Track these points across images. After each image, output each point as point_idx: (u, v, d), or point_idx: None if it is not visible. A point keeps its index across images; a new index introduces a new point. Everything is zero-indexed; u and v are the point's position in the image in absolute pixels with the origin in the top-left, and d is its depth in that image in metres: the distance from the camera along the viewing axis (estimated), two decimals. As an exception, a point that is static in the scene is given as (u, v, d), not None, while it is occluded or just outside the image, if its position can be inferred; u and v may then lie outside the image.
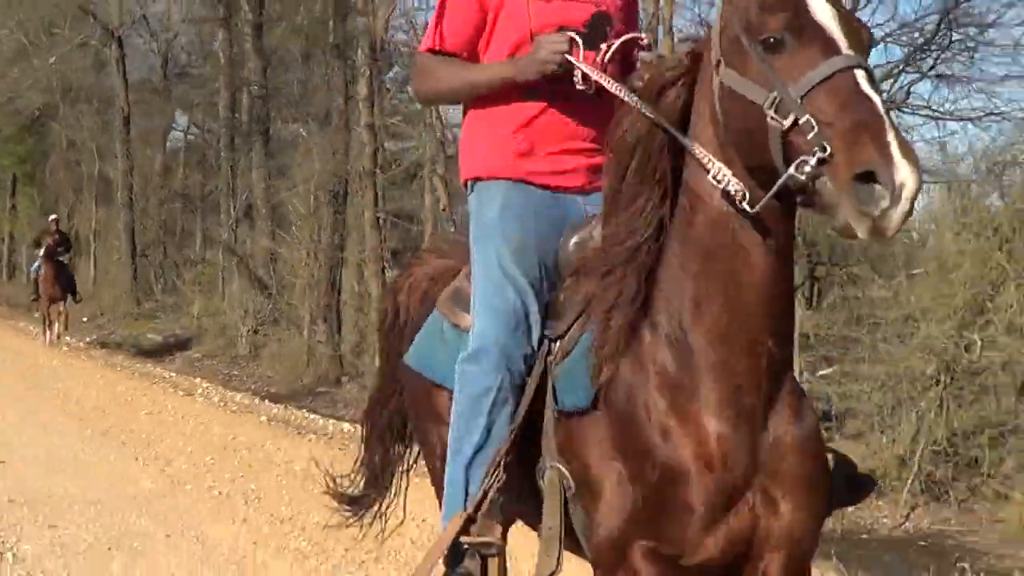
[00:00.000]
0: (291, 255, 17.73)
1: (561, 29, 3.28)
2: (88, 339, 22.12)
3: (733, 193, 2.67)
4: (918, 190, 2.34)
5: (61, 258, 22.16)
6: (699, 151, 2.76)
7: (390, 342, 4.29)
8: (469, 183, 3.59)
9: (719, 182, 2.69)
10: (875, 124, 2.38)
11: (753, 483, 2.86)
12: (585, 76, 3.18)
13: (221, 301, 21.06)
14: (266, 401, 14.35)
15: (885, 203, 2.33)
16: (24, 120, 33.78)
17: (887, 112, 2.43)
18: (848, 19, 2.64)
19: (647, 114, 2.90)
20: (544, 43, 3.24)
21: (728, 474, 2.83)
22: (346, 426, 12.08)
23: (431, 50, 3.58)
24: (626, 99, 3.00)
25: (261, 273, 19.18)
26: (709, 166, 2.71)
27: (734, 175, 2.68)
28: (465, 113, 3.67)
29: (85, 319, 24.63)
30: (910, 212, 2.35)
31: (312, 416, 13.11)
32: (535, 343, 3.30)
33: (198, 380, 15.84)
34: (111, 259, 28.75)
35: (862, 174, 2.33)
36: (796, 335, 3.32)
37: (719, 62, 2.71)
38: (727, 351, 2.85)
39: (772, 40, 2.58)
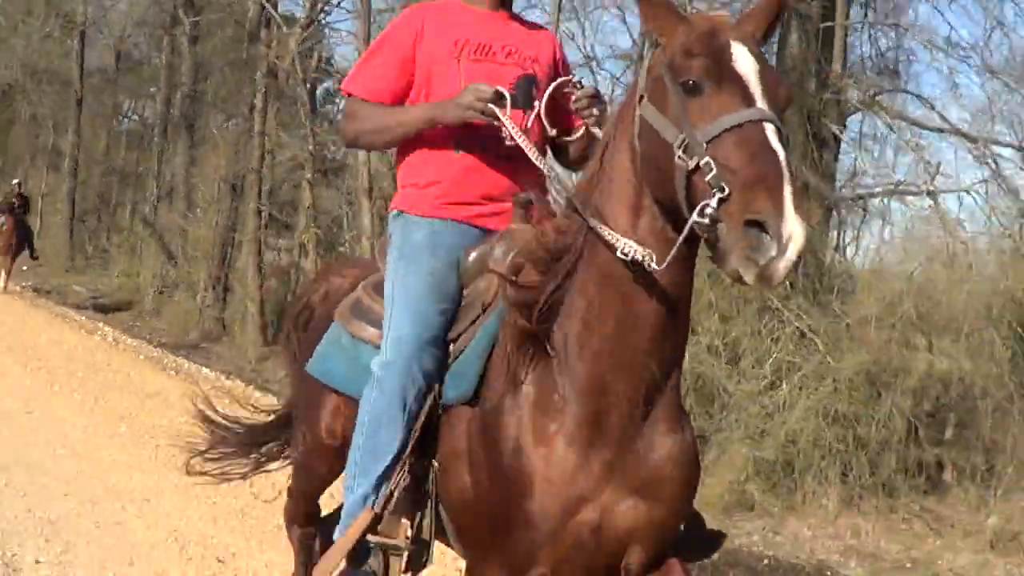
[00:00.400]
0: (195, 232, 20.90)
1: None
2: (23, 284, 24.21)
3: (640, 260, 2.70)
4: (805, 244, 2.33)
5: (22, 215, 23.88)
6: (606, 232, 2.78)
7: (301, 343, 4.28)
8: (395, 212, 3.67)
9: (626, 255, 2.71)
10: (774, 177, 2.37)
11: (604, 496, 2.88)
12: (508, 134, 3.25)
13: (138, 264, 24.10)
14: (151, 346, 16.78)
15: (772, 253, 2.33)
16: None
17: (789, 168, 2.42)
18: (768, 74, 2.61)
19: (559, 181, 3.18)
20: (471, 89, 3.28)
21: (570, 489, 2.87)
22: (212, 375, 14.16)
23: (351, 94, 3.65)
24: (537, 163, 3.23)
25: (171, 244, 22.39)
26: (616, 243, 2.73)
27: (636, 213, 2.76)
28: (399, 161, 3.72)
29: (25, 268, 26.34)
30: (796, 264, 2.37)
31: (185, 363, 15.26)
32: (437, 358, 3.33)
33: (101, 324, 18.45)
34: (53, 220, 31.48)
35: (753, 222, 2.34)
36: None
37: (642, 96, 2.72)
38: (608, 372, 2.86)
39: (691, 83, 2.56)
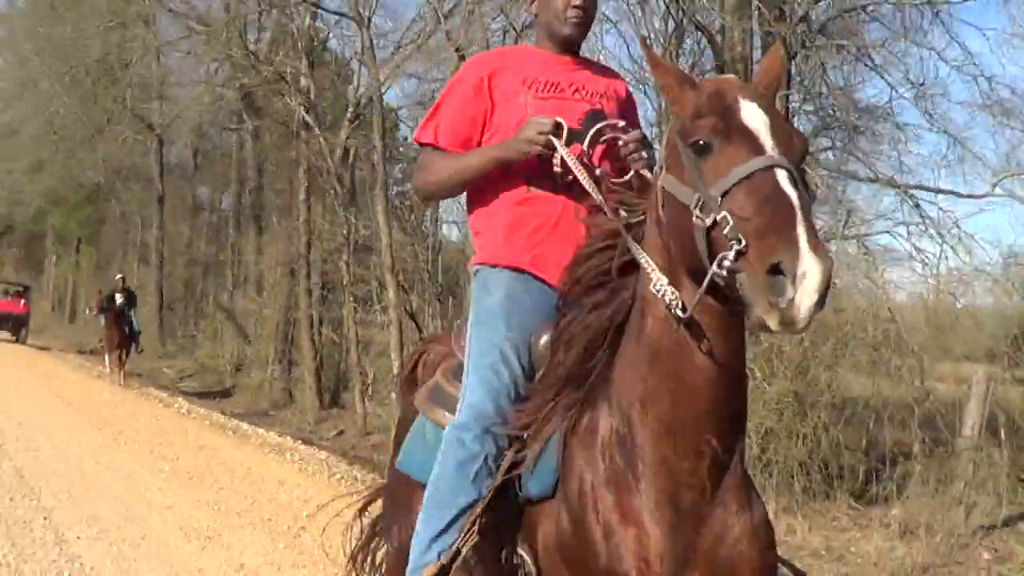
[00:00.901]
0: (263, 313, 23.19)
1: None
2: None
3: (668, 302, 2.73)
4: (824, 281, 2.29)
5: (128, 311, 23.90)
6: (645, 260, 2.84)
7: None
8: (474, 269, 3.60)
9: (658, 291, 2.76)
10: (785, 218, 2.35)
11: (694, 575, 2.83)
12: (563, 163, 3.25)
13: (219, 346, 26.51)
14: (226, 416, 18.38)
15: (790, 294, 2.30)
16: (86, 192, 39.34)
17: (803, 208, 2.38)
18: (778, 124, 2.61)
19: (607, 212, 3.10)
20: (532, 123, 3.30)
21: (666, 570, 2.81)
22: (278, 439, 15.41)
23: (425, 144, 3.62)
24: (590, 191, 3.20)
25: (245, 326, 24.74)
26: (652, 275, 2.80)
27: (675, 280, 2.75)
28: (470, 210, 3.67)
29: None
30: (819, 303, 2.31)
31: (254, 428, 16.48)
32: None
33: (182, 400, 20.33)
34: (143, 310, 33.97)
35: (773, 267, 2.31)
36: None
37: (662, 167, 2.79)
38: (670, 450, 2.83)
39: (701, 144, 2.59)
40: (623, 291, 3.01)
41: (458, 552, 3.23)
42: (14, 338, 35.25)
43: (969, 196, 13.21)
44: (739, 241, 2.38)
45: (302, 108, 18.68)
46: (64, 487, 10.06)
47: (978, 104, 13.19)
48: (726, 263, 2.40)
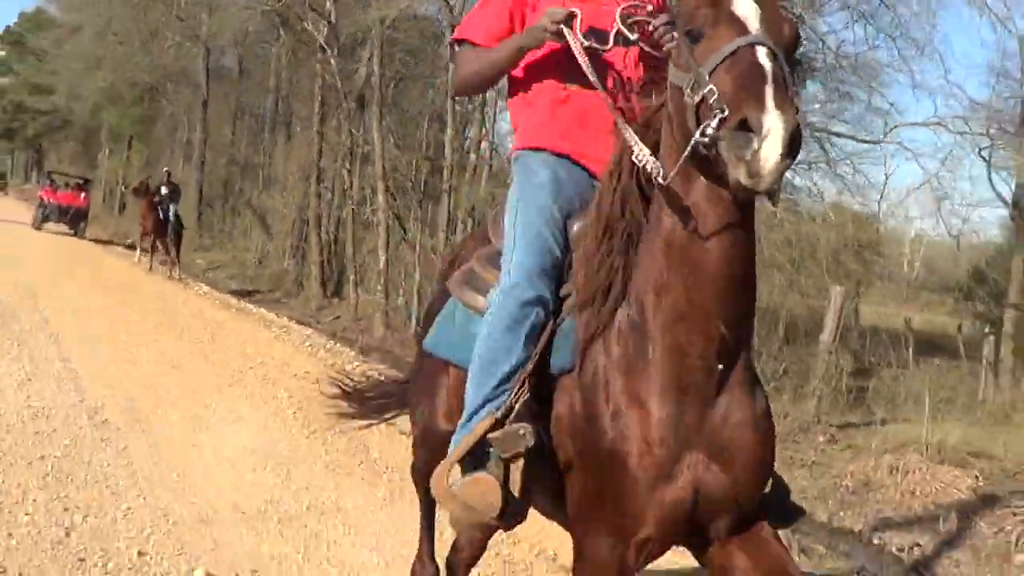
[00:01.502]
0: (282, 212, 26.06)
1: (591, 30, 3.41)
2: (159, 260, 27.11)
3: (650, 170, 2.89)
4: (789, 136, 2.42)
5: (171, 204, 24.96)
6: (628, 133, 3.03)
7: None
8: (515, 155, 3.79)
9: (639, 161, 2.92)
10: (757, 81, 2.50)
11: (694, 456, 2.97)
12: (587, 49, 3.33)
13: (247, 241, 29.43)
14: (242, 300, 21.40)
15: (755, 146, 2.42)
16: (139, 92, 41.74)
17: (776, 75, 2.52)
18: (770, 10, 2.72)
19: (607, 101, 3.23)
20: (548, 12, 3.43)
21: (667, 451, 2.95)
22: (285, 320, 18.38)
23: (460, 40, 3.81)
24: (596, 86, 3.30)
25: (271, 224, 27.59)
26: (634, 147, 2.96)
27: (685, 169, 2.77)
28: (511, 104, 3.91)
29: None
30: (784, 157, 2.43)
31: (260, 309, 19.64)
32: (556, 296, 3.38)
33: (205, 287, 22.99)
34: (184, 206, 37.08)
35: (741, 123, 2.46)
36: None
37: (669, 64, 2.92)
38: (682, 335, 2.94)
39: (695, 31, 2.74)
40: (633, 191, 3.13)
41: (511, 408, 3.30)
42: (72, 231, 33.99)
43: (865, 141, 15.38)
44: (722, 110, 2.52)
45: (325, 28, 21.17)
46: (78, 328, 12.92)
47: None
48: (709, 130, 2.54)
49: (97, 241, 33.29)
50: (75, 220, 34.37)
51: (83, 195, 35.80)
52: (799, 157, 2.64)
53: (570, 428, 3.23)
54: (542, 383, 3.32)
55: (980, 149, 17.34)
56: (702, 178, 2.79)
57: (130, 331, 13.47)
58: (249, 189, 33.53)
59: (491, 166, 21.39)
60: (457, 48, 3.86)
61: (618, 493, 3.06)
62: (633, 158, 2.97)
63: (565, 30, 3.35)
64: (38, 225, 33.77)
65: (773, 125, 2.42)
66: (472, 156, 21.75)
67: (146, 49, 35.58)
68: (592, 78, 3.30)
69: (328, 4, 21.06)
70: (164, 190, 25.29)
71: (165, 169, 28.19)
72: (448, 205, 17.87)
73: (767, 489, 3.29)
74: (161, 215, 24.60)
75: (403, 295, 18.81)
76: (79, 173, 43.72)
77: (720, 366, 2.96)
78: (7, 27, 74.85)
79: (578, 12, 3.38)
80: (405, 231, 18.81)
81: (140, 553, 5.50)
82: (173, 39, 33.97)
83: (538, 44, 3.51)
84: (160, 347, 12.57)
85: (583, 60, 3.33)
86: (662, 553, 3.27)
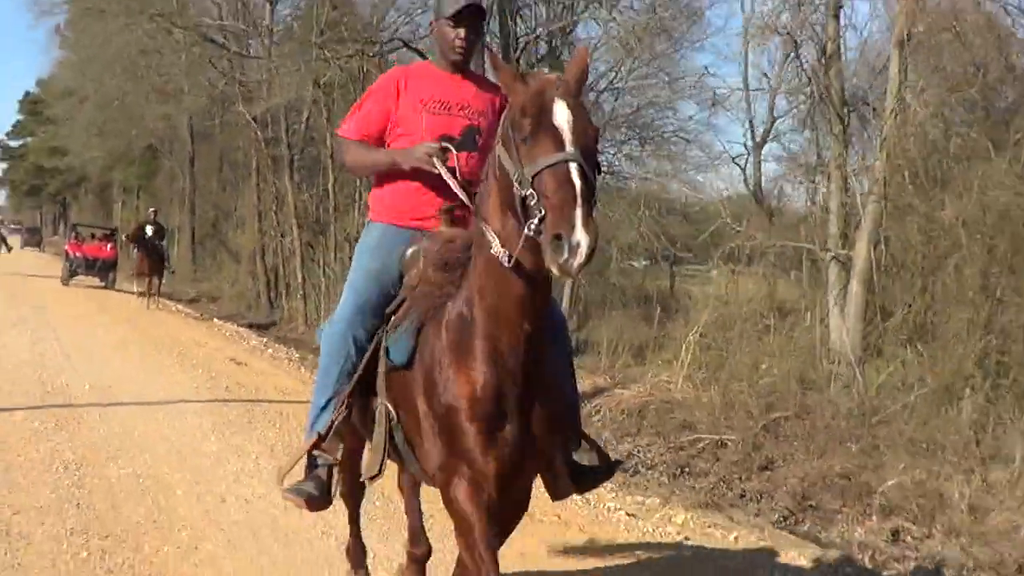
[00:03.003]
0: (245, 244, 33.90)
1: (442, 137, 4.68)
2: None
3: (500, 257, 3.83)
4: (589, 248, 3.40)
5: (157, 242, 28.03)
6: (489, 233, 3.91)
7: None
8: (366, 224, 5.15)
9: (494, 252, 3.86)
10: (569, 202, 3.43)
11: (511, 415, 4.11)
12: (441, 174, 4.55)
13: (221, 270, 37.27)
14: (214, 319, 26.96)
15: (566, 255, 3.40)
16: (140, 151, 49.00)
17: (583, 193, 3.46)
18: (579, 122, 3.66)
19: (462, 196, 4.50)
20: (421, 147, 4.67)
21: (489, 407, 4.09)
22: (234, 326, 24.82)
23: (344, 136, 5.03)
24: (457, 192, 4.56)
25: (239, 256, 35.36)
26: (492, 242, 3.88)
27: (503, 222, 3.83)
28: (372, 187, 5.19)
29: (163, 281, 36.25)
30: (586, 262, 3.43)
31: (222, 321, 26.27)
32: (373, 324, 4.71)
33: (188, 309, 30.14)
34: (182, 245, 45.12)
35: (556, 236, 3.41)
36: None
37: (499, 140, 3.87)
38: (494, 327, 4.05)
39: (523, 136, 3.66)
40: (468, 238, 4.28)
41: (331, 424, 4.74)
42: (103, 283, 35.32)
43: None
44: (540, 211, 3.50)
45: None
46: (77, 339, 20.37)
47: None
48: (532, 225, 3.52)
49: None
50: (103, 272, 35.47)
51: (109, 246, 36.86)
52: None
53: (420, 404, 4.38)
54: (375, 378, 4.61)
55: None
56: (508, 222, 3.83)
57: (104, 326, 20.86)
58: (226, 229, 41.07)
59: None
60: (339, 138, 5.13)
61: (461, 440, 4.17)
62: (492, 251, 3.90)
63: (437, 163, 4.60)
64: (66, 280, 34.95)
65: (581, 240, 3.40)
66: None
67: (140, 115, 41.30)
68: (460, 193, 4.57)
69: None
70: (150, 229, 28.54)
71: (151, 210, 31.74)
72: (334, 233, 25.46)
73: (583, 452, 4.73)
74: (152, 254, 27.66)
75: (315, 300, 26.35)
76: (101, 223, 47.86)
77: (526, 349, 4.07)
78: (26, 92, 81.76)
79: (450, 146, 4.67)
80: (313, 253, 26.43)
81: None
82: (160, 108, 40.30)
83: (411, 168, 4.75)
84: (116, 331, 19.83)
85: (452, 181, 4.60)
86: (509, 483, 4.32)
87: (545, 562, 7.01)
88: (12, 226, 39.30)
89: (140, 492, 8.19)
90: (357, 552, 6.03)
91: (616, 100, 24.40)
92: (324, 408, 4.80)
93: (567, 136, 3.61)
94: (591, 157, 3.68)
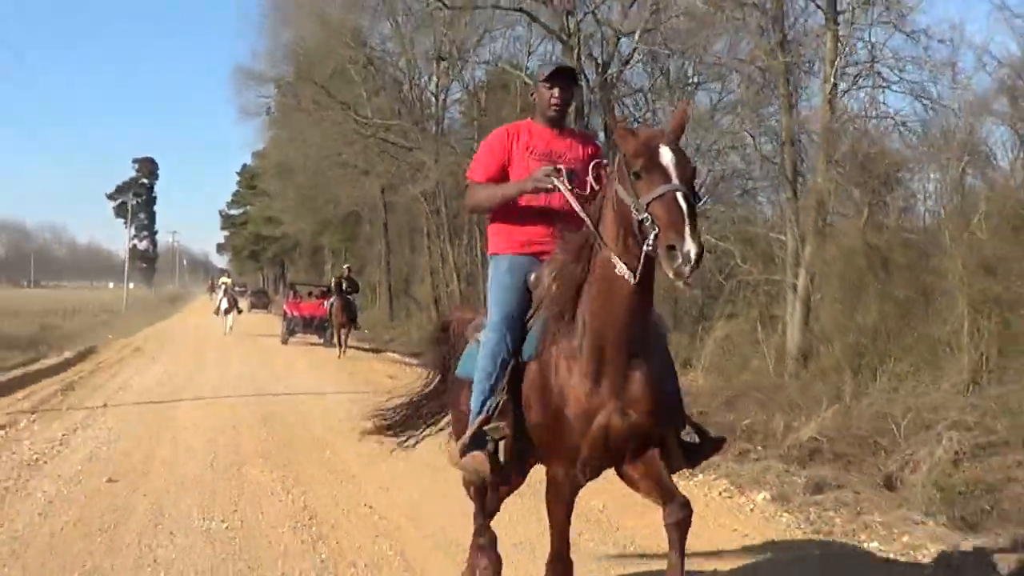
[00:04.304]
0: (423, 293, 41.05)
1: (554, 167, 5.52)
2: (357, 342, 35.73)
3: (624, 276, 4.79)
4: (698, 254, 4.32)
5: (350, 295, 31.06)
6: (613, 257, 4.88)
7: (444, 350, 6.78)
8: (491, 257, 6.05)
9: (619, 272, 4.82)
10: (678, 220, 4.42)
11: (610, 406, 5.00)
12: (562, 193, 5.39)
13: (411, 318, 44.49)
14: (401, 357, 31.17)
15: (679, 262, 4.34)
16: (343, 218, 56.17)
17: (690, 212, 4.45)
18: (681, 160, 4.70)
19: (589, 224, 5.11)
20: (541, 169, 5.54)
21: (589, 403, 5.02)
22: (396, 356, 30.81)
23: (472, 180, 5.98)
24: (580, 213, 5.23)
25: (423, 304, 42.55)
26: (615, 261, 4.85)
27: (623, 244, 4.84)
28: (489, 222, 6.06)
29: (367, 331, 41.26)
30: (696, 265, 4.34)
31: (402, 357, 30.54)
32: (515, 331, 5.54)
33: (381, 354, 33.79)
34: (381, 298, 52.07)
35: (670, 247, 4.36)
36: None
37: (614, 179, 4.90)
38: (600, 340, 5.02)
39: (637, 173, 4.68)
40: (586, 260, 5.14)
41: (498, 404, 5.47)
42: (321, 340, 35.96)
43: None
44: (655, 230, 4.46)
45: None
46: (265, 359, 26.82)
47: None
48: (648, 243, 4.49)
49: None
50: (320, 329, 36.01)
51: (325, 303, 36.18)
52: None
53: (535, 395, 5.33)
54: (517, 370, 5.47)
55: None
56: (627, 245, 4.82)
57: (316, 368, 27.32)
58: (414, 284, 48.19)
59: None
60: (469, 183, 6.10)
61: (563, 432, 5.10)
62: (615, 271, 4.86)
63: (557, 182, 5.41)
64: (285, 340, 36.64)
65: (690, 249, 4.32)
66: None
67: (338, 190, 46.82)
68: (581, 214, 5.25)
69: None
70: (344, 284, 31.70)
71: (346, 266, 36.66)
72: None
73: (683, 434, 5.54)
74: (345, 307, 30.56)
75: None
76: (317, 281, 51.36)
77: (626, 358, 5.00)
78: (244, 165, 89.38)
79: (563, 168, 5.52)
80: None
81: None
82: (353, 184, 45.52)
83: (534, 190, 5.58)
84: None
85: (572, 199, 5.36)
86: (598, 472, 5.34)
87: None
88: (238, 288, 41.34)
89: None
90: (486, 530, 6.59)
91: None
92: (489, 395, 5.56)
93: (672, 172, 4.66)
94: (691, 187, 4.70)
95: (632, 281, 4.81)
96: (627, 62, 27.30)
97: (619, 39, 26.58)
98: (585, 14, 26.17)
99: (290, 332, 36.65)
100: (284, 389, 20.66)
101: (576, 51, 25.21)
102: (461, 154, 30.48)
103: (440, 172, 32.04)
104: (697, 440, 5.66)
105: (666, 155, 4.69)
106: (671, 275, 4.44)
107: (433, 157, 32.00)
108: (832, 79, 18.64)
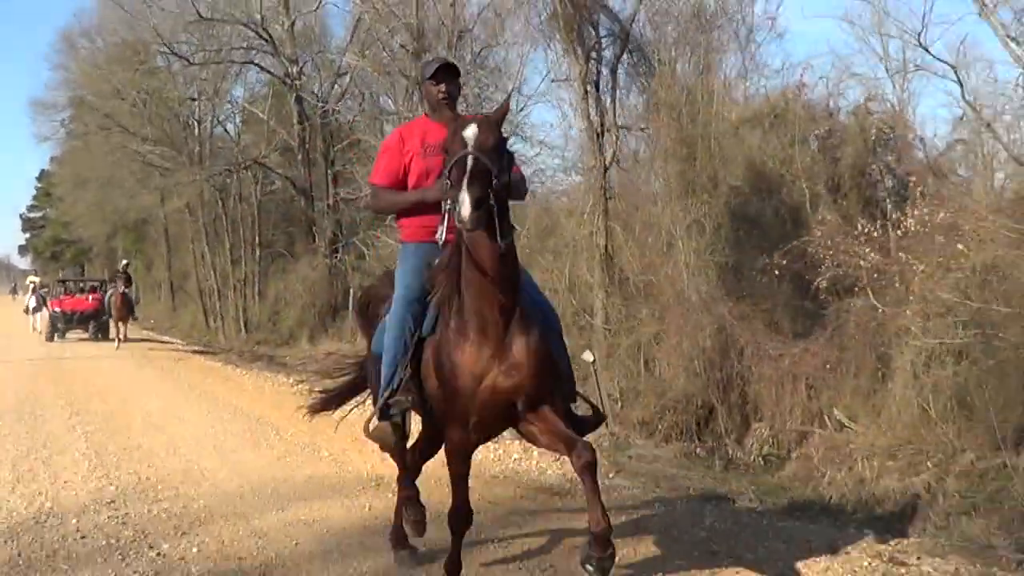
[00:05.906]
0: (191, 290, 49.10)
1: (440, 175, 5.81)
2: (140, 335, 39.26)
3: (438, 238, 5.66)
4: (474, 201, 5.11)
5: (126, 290, 32.34)
6: (441, 227, 5.60)
7: (363, 324, 7.62)
8: (400, 244, 6.80)
9: (437, 234, 5.64)
10: (459, 178, 5.15)
11: (495, 370, 5.72)
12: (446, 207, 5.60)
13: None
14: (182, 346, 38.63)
15: (458, 208, 5.11)
16: (134, 223, 58.86)
17: (472, 170, 5.18)
18: (483, 134, 5.41)
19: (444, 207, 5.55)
20: (439, 187, 5.90)
21: (476, 367, 5.70)
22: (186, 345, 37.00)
23: (374, 183, 6.74)
24: (450, 215, 5.53)
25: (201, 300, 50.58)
26: (439, 229, 5.62)
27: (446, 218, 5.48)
28: (397, 218, 6.85)
29: (152, 320, 50.64)
30: (472, 212, 5.10)
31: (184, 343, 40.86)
32: (417, 309, 6.25)
33: (164, 337, 43.65)
34: (163, 293, 59.06)
35: (455, 200, 5.10)
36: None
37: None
38: (479, 304, 5.63)
39: (445, 147, 5.52)
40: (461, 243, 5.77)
41: (401, 380, 6.20)
42: (86, 334, 36.68)
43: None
44: (451, 189, 5.19)
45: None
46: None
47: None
48: (449, 203, 5.21)
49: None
50: (85, 322, 36.31)
51: (91, 297, 37.38)
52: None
53: (431, 365, 6.10)
54: (419, 345, 6.19)
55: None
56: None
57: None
58: (189, 280, 54.26)
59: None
60: (372, 187, 6.93)
61: (455, 396, 5.75)
62: (436, 236, 5.65)
63: (444, 204, 5.66)
64: (50, 337, 35.99)
65: (463, 200, 5.06)
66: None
67: (132, 195, 47.70)
68: (447, 211, 5.61)
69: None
70: (120, 279, 33.15)
71: (124, 262, 37.69)
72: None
73: (573, 406, 6.27)
74: (123, 301, 32.29)
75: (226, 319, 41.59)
76: (90, 277, 52.58)
77: (503, 319, 5.65)
78: (42, 170, 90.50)
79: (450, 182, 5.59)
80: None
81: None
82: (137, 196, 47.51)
83: (433, 199, 6.15)
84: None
85: (447, 207, 5.61)
86: (493, 433, 6.22)
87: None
88: (44, 289, 43.59)
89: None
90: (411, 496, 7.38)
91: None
92: (395, 371, 6.37)
93: (470, 142, 5.41)
94: (494, 153, 5.47)
95: (440, 241, 5.72)
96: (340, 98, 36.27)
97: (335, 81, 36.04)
98: (304, 62, 36.32)
99: (54, 328, 36.07)
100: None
101: (295, 93, 35.14)
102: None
103: (193, 192, 40.71)
104: (589, 415, 6.67)
105: (468, 131, 5.51)
106: (459, 224, 5.33)
107: (190, 178, 40.08)
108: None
